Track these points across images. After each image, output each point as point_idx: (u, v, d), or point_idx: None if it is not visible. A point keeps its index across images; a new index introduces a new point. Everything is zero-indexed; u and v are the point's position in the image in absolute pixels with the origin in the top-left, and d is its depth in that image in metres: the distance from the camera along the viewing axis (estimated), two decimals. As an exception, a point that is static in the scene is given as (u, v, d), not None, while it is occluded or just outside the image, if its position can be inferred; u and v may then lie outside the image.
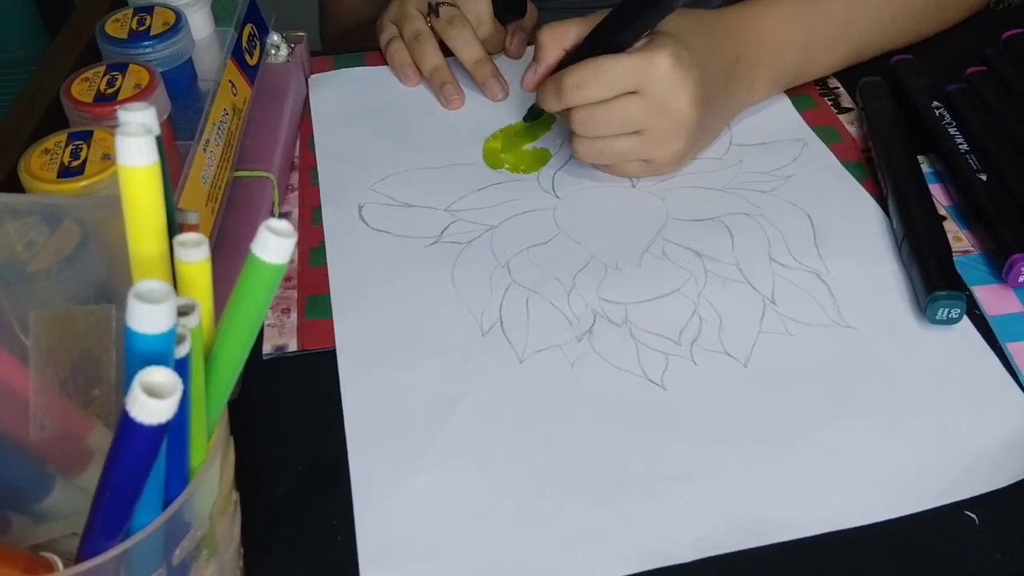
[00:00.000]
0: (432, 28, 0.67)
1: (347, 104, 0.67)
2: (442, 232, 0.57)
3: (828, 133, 0.63)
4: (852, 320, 0.50)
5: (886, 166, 0.57)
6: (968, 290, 0.52)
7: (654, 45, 0.54)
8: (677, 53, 0.54)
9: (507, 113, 0.66)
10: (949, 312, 0.49)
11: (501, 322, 0.51)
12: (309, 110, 0.67)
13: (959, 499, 0.42)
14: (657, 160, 0.58)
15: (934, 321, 0.49)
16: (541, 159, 0.62)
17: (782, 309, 0.51)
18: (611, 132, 0.56)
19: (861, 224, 0.56)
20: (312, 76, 0.70)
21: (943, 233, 0.53)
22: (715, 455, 0.44)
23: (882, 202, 0.57)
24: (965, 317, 0.49)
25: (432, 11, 0.67)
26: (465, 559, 0.40)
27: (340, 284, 0.54)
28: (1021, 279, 0.51)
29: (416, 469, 0.44)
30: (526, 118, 0.64)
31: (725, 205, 0.58)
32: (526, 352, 0.49)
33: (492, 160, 0.62)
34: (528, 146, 0.63)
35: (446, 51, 0.67)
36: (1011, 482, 0.42)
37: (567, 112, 0.56)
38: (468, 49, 0.66)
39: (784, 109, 0.65)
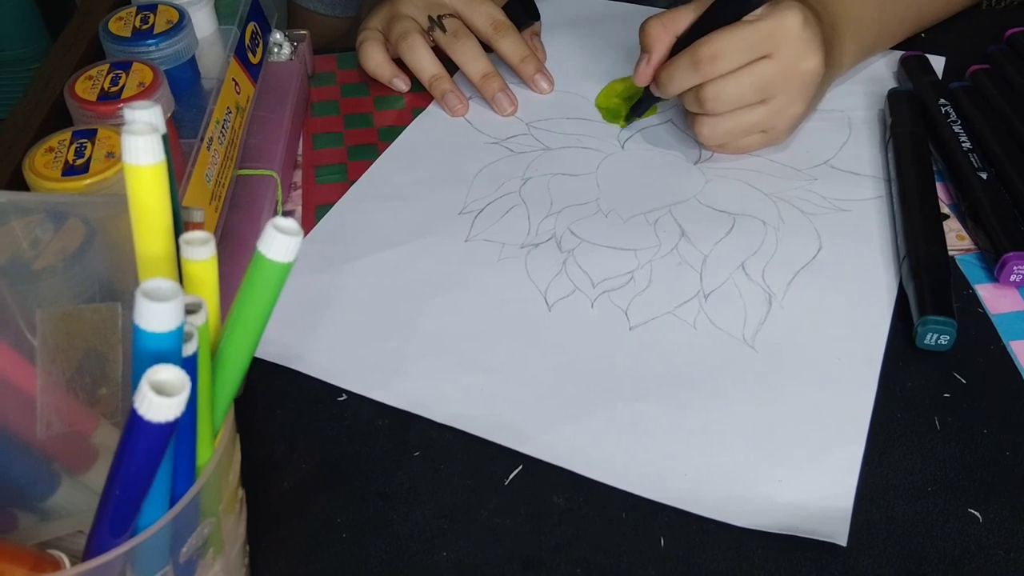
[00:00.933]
0: (435, 41, 0.66)
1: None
2: (507, 138, 0.64)
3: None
4: (759, 345, 0.49)
5: (898, 182, 0.57)
6: (971, 288, 0.52)
7: (782, 7, 0.54)
8: (805, 14, 0.54)
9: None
10: (938, 338, 0.48)
11: (480, 212, 0.58)
12: (314, 108, 0.67)
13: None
14: (777, 127, 0.58)
15: (922, 345, 0.48)
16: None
17: (707, 307, 0.51)
18: (743, 103, 0.56)
19: (862, 283, 0.52)
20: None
21: (946, 259, 0.51)
22: (553, 382, 0.47)
23: (892, 223, 0.56)
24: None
25: (436, 24, 0.66)
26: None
27: (405, 140, 0.64)
28: (1013, 278, 0.51)
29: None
30: (629, 117, 0.65)
31: (755, 207, 0.57)
32: (473, 236, 0.56)
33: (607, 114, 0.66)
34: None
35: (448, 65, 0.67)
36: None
37: (695, 92, 0.56)
38: (476, 64, 0.65)
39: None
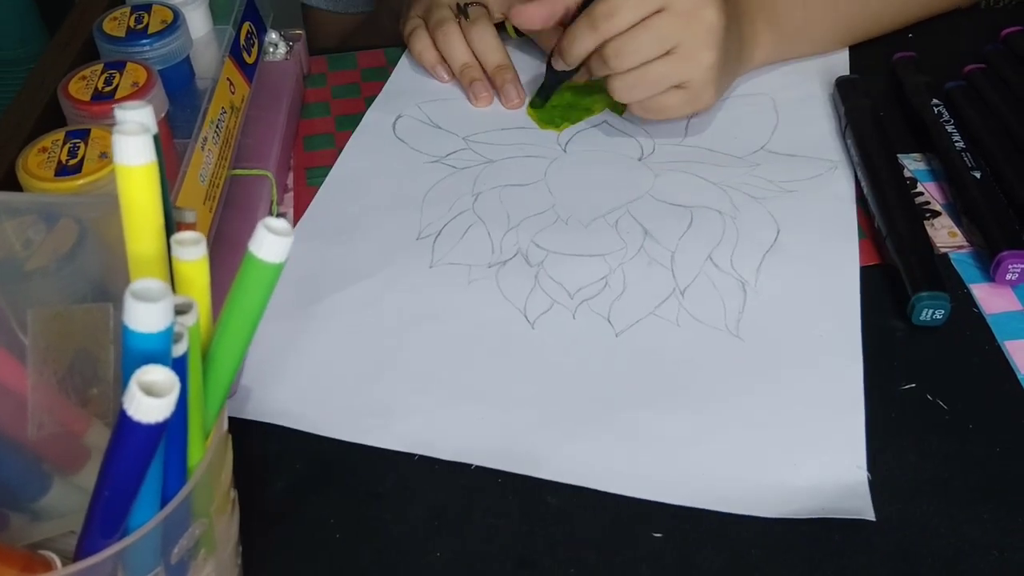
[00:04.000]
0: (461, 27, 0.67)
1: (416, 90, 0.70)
2: (447, 155, 0.62)
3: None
4: (743, 333, 0.50)
5: (864, 164, 0.58)
6: (966, 287, 0.52)
7: None
8: None
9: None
10: (933, 313, 0.48)
11: (438, 234, 0.56)
12: (306, 110, 0.67)
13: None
14: (692, 80, 0.57)
15: (918, 322, 0.49)
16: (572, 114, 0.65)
17: (686, 302, 0.51)
18: (645, 57, 0.56)
19: (826, 258, 0.54)
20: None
21: (924, 232, 0.53)
22: (552, 400, 0.47)
23: (862, 202, 0.57)
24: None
25: (461, 11, 0.67)
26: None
27: (341, 168, 0.61)
28: (1008, 276, 0.51)
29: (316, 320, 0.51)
30: (537, 98, 0.65)
31: (708, 198, 0.58)
32: (437, 261, 0.54)
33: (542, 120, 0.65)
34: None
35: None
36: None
37: (599, 51, 0.57)
38: (493, 55, 0.66)
39: (823, 129, 0.63)
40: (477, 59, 0.67)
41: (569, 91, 0.66)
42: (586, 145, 0.63)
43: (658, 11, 0.55)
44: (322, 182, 0.61)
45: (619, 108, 0.65)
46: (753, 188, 0.59)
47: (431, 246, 0.55)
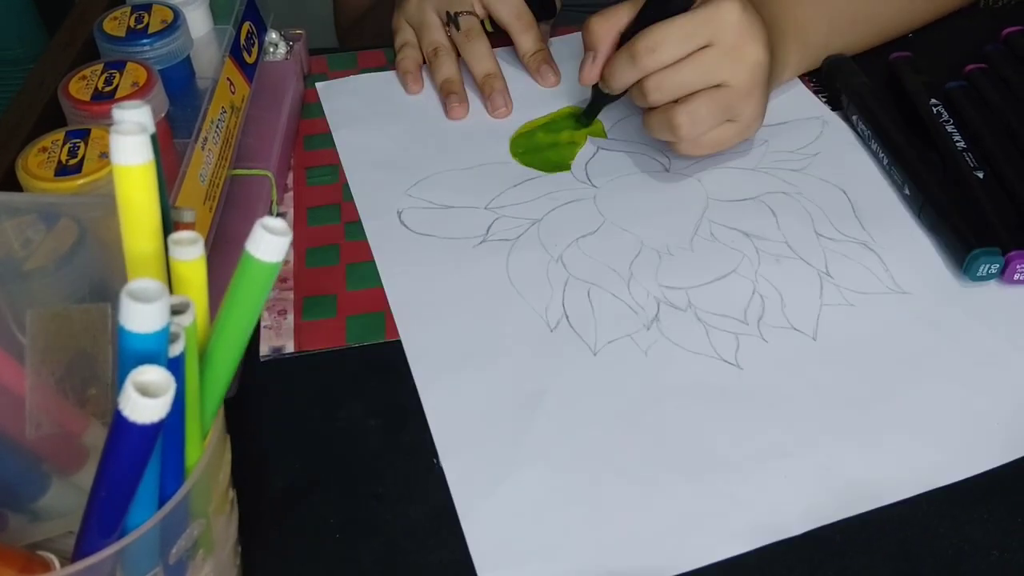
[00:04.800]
0: (450, 39, 0.67)
1: (363, 110, 0.67)
2: (488, 230, 0.57)
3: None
4: (906, 285, 0.52)
5: (881, 138, 0.59)
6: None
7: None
8: (743, 3, 0.54)
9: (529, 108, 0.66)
10: (989, 268, 0.50)
11: (567, 316, 0.51)
12: (306, 109, 0.67)
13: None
14: (744, 115, 0.57)
15: (975, 278, 0.51)
16: (568, 153, 0.63)
17: (838, 281, 0.52)
18: (687, 90, 0.55)
19: (889, 193, 0.58)
20: (320, 84, 0.69)
21: (966, 192, 0.54)
22: (801, 428, 0.45)
23: (886, 171, 0.59)
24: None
25: (452, 21, 0.66)
26: (577, 550, 0.41)
27: (397, 293, 0.53)
28: (1016, 276, 0.51)
29: (511, 467, 0.44)
30: (582, 118, 0.64)
31: (761, 184, 0.59)
32: (598, 344, 0.49)
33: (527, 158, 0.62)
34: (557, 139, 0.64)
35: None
36: None
37: (639, 86, 0.56)
38: (482, 64, 0.66)
39: (797, 89, 0.66)
40: (468, 68, 0.66)
41: (539, 132, 0.64)
42: (608, 174, 0.60)
43: (704, 47, 0.54)
44: (322, 182, 0.61)
45: (601, 130, 0.64)
46: (785, 162, 0.60)
47: (572, 332, 0.50)
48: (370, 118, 0.66)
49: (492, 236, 0.56)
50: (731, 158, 0.60)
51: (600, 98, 0.61)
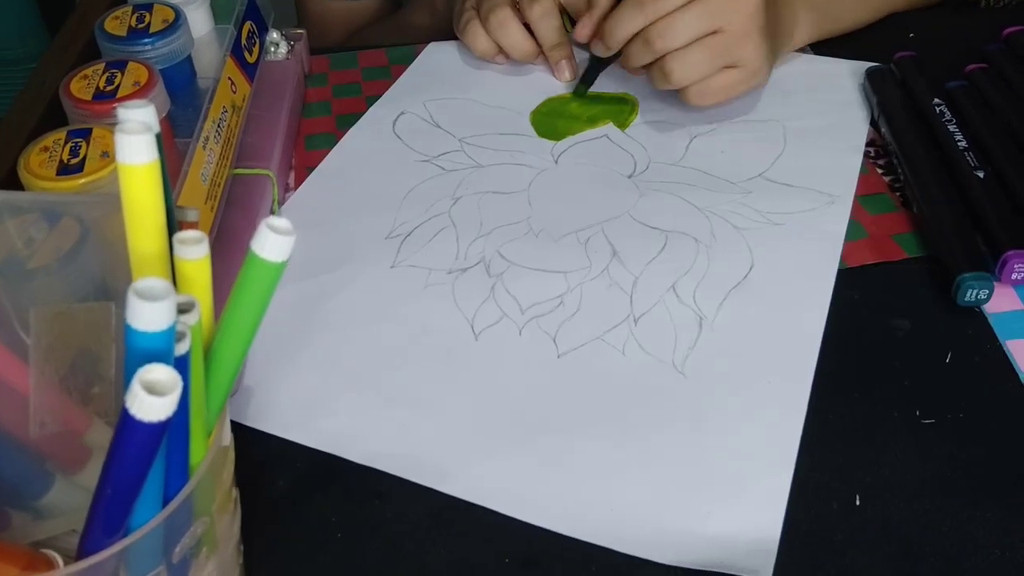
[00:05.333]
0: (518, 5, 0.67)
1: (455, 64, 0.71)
2: (438, 155, 0.62)
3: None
4: (688, 370, 0.47)
5: (902, 152, 0.58)
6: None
7: None
8: None
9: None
10: (978, 293, 0.49)
11: (408, 235, 0.56)
12: (307, 109, 0.67)
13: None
14: (746, 60, 0.58)
15: (963, 303, 0.50)
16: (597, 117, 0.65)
17: (637, 331, 0.49)
18: (693, 34, 0.57)
19: (794, 301, 0.51)
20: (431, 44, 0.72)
21: (965, 214, 0.54)
22: (477, 415, 0.46)
23: (899, 189, 0.58)
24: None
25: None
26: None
27: (333, 160, 0.62)
28: (1014, 276, 0.51)
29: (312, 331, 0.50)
30: (580, 86, 0.65)
31: (688, 223, 0.56)
32: (399, 262, 0.54)
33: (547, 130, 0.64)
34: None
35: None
36: None
37: (643, 36, 0.57)
38: (552, 35, 0.66)
39: (849, 163, 0.60)
40: (537, 37, 0.66)
41: (575, 102, 0.66)
42: (579, 158, 0.61)
43: None
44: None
45: (624, 123, 0.64)
46: (739, 217, 0.56)
47: (398, 246, 0.55)
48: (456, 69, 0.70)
49: (437, 160, 0.61)
50: (699, 192, 0.58)
51: (596, 63, 0.63)
